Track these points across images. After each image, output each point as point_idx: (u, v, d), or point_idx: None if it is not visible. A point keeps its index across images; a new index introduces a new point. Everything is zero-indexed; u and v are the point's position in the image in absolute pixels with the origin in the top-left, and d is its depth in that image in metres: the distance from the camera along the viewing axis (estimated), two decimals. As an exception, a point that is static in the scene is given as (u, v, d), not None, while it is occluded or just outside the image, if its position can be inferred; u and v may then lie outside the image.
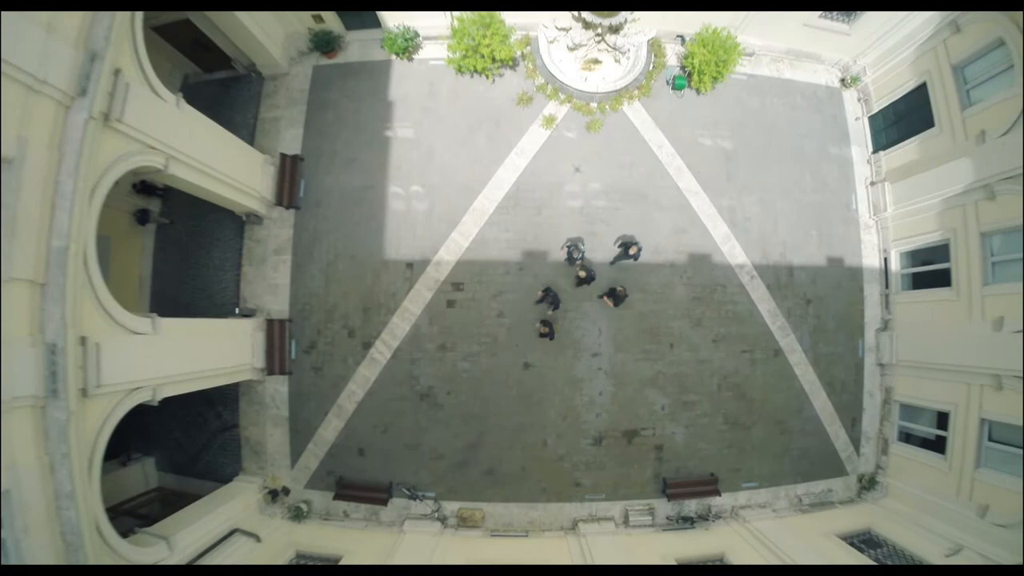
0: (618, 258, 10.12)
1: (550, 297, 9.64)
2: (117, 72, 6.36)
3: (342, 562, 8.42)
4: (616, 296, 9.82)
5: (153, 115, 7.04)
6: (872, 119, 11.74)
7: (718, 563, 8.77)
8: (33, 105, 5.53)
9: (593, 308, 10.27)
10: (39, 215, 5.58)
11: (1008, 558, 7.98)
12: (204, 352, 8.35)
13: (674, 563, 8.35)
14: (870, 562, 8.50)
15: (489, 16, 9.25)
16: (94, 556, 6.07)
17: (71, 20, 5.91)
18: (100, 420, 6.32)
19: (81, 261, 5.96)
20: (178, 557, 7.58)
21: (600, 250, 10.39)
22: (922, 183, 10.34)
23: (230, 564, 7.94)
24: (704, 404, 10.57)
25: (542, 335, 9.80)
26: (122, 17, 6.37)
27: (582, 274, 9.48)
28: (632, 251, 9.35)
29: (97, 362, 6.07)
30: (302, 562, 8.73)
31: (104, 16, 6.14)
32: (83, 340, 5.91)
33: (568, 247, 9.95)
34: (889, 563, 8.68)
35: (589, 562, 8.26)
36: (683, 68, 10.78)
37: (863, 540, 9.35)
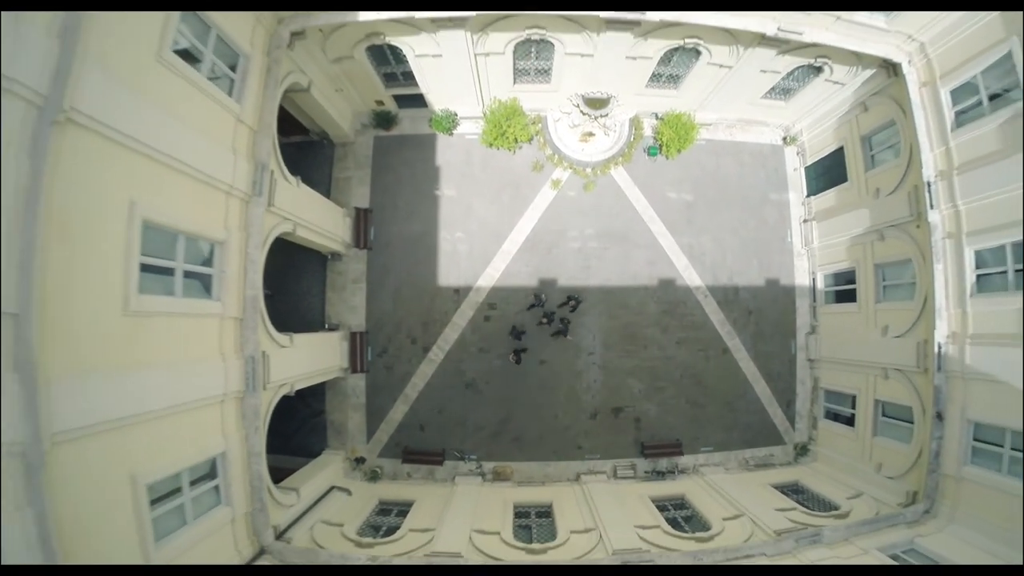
0: (562, 305, 11.93)
1: (514, 332, 11.90)
2: (272, 172, 8.75)
3: (414, 506, 10.03)
4: (562, 333, 12.06)
5: (287, 196, 9.33)
6: (807, 169, 13.59)
7: (679, 501, 10.73)
8: (229, 203, 7.91)
9: (589, 319, 12.44)
10: (237, 274, 8.02)
11: (891, 500, 9.84)
12: (316, 357, 10.58)
13: (649, 500, 10.35)
14: (791, 501, 10.22)
15: (512, 109, 11.56)
16: (268, 498, 8.28)
17: (243, 141, 8.20)
18: (267, 405, 8.67)
19: (258, 302, 8.44)
20: (303, 502, 9.60)
21: (591, 279, 12.71)
22: (837, 224, 12.28)
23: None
24: (670, 389, 12.63)
25: (514, 359, 11.91)
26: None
27: (544, 319, 11.80)
28: (571, 304, 11.47)
29: (268, 367, 8.40)
30: (384, 507, 10.41)
31: (265, 137, 8.55)
32: (263, 353, 8.33)
33: (534, 299, 12.00)
34: (807, 505, 10.36)
35: (590, 502, 10.12)
36: (655, 139, 12.82)
37: (790, 488, 11.27)
